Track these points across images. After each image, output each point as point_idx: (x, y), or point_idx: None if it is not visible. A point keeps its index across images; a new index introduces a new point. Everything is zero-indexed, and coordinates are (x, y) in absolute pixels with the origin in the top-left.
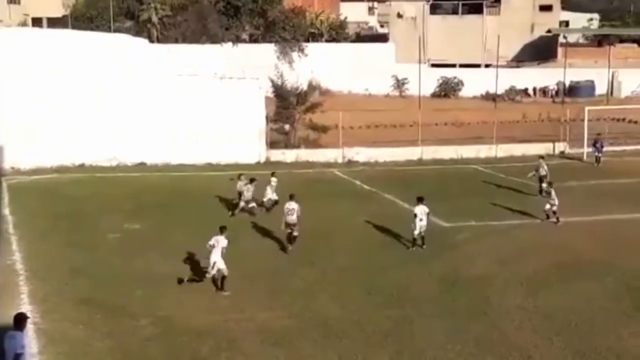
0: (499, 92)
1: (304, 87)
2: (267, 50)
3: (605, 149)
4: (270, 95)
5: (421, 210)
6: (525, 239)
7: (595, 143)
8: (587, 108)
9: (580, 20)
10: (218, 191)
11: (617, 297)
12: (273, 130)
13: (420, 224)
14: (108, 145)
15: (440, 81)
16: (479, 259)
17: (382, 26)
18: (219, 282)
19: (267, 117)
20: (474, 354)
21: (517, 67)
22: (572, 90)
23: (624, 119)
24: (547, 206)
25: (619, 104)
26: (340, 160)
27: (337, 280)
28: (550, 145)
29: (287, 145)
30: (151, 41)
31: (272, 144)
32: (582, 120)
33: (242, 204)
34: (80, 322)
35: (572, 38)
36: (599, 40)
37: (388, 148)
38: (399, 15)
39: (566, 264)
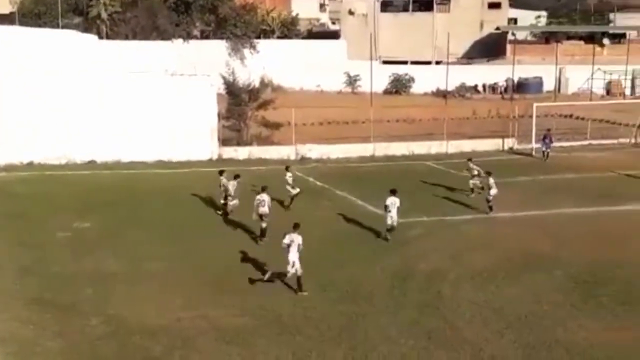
0: (450, 88)
1: (256, 84)
2: (218, 47)
3: (553, 144)
4: (222, 92)
5: (392, 201)
6: (476, 233)
7: (544, 138)
8: (535, 104)
9: (528, 17)
10: (169, 189)
11: (565, 291)
12: (225, 128)
13: (390, 214)
14: (57, 143)
15: (392, 78)
16: (430, 254)
17: (333, 23)
18: (297, 282)
19: (219, 114)
20: (427, 348)
21: (467, 64)
22: (521, 87)
23: (571, 115)
24: (490, 196)
25: (567, 100)
26: (293, 157)
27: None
28: (500, 141)
29: (240, 143)
30: (100, 38)
31: (224, 141)
32: (531, 116)
33: (231, 201)
34: (30, 321)
35: (521, 35)
36: (547, 38)
37: (341, 145)
38: (350, 12)
39: (516, 258)
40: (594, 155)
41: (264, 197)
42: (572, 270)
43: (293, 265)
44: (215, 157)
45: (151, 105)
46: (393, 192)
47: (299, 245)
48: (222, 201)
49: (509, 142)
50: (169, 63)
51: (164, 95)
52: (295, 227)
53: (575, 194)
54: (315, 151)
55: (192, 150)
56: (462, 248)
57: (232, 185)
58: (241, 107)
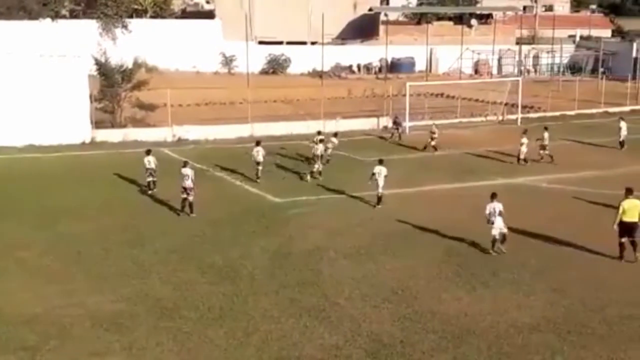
0: (325, 69)
1: (129, 64)
2: (89, 27)
3: (414, 123)
4: (94, 73)
5: (378, 170)
6: (355, 211)
7: (396, 119)
8: (408, 84)
9: None
10: (41, 174)
11: (439, 264)
12: (98, 110)
13: (378, 182)
14: None
15: (269, 58)
16: (310, 233)
17: (207, 2)
18: (500, 242)
19: (91, 96)
20: (307, 325)
21: (342, 44)
22: (394, 67)
23: (442, 94)
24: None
25: (438, 80)
26: (170, 139)
27: (169, 260)
28: (375, 120)
29: (114, 125)
30: None
31: (97, 124)
32: (404, 95)
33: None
34: None
35: (393, 16)
36: (418, 19)
37: (218, 126)
38: None
39: (393, 234)
40: (463, 132)
41: (187, 171)
42: (446, 244)
43: (503, 229)
44: (88, 140)
45: (19, 88)
46: (380, 162)
47: (500, 210)
48: (149, 179)
49: (384, 121)
50: (37, 44)
51: (33, 77)
52: (494, 196)
53: (448, 171)
54: (192, 132)
55: (65, 133)
56: (341, 226)
57: (148, 162)
58: (114, 88)
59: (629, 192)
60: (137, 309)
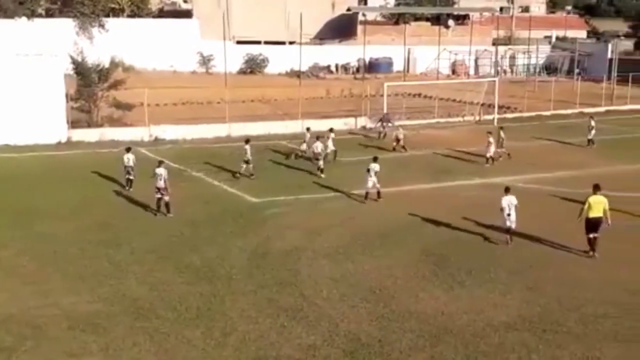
0: (303, 69)
1: (106, 64)
2: (65, 26)
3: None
4: (71, 72)
5: (373, 167)
6: (333, 211)
7: (382, 120)
8: (386, 84)
9: None
10: (17, 174)
11: (417, 263)
12: (74, 109)
13: (372, 179)
14: None
15: (246, 58)
16: (288, 233)
17: (185, 1)
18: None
19: (67, 96)
20: (285, 325)
21: (320, 44)
22: (372, 67)
23: (419, 94)
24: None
25: (415, 80)
26: (147, 139)
27: (146, 260)
28: (353, 120)
29: (90, 124)
30: None
31: (73, 123)
32: (382, 95)
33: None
34: None
35: (371, 16)
36: (396, 19)
37: (196, 125)
38: None
39: (372, 233)
40: (440, 133)
41: (161, 170)
42: (424, 243)
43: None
44: (64, 140)
45: None
46: (374, 159)
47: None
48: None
49: (362, 121)
50: (13, 43)
51: (8, 77)
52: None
53: (424, 170)
54: (169, 132)
55: (40, 133)
56: (320, 225)
57: (127, 160)
58: (91, 87)
59: (596, 189)
60: (113, 309)
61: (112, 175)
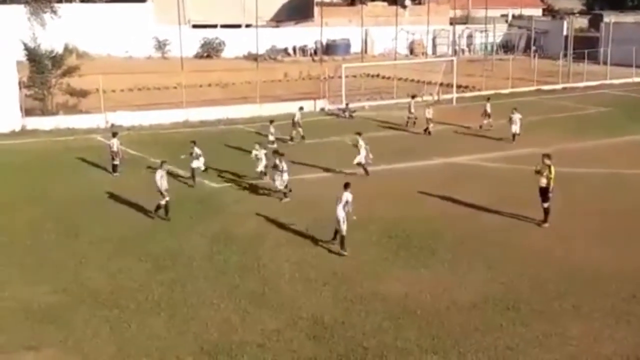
0: (260, 51)
1: (60, 50)
2: (16, 12)
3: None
4: (23, 59)
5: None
6: (293, 195)
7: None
8: (344, 65)
9: None
10: None
11: (379, 245)
12: (28, 97)
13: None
14: None
15: (203, 42)
16: (249, 219)
17: None
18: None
19: (20, 83)
20: (248, 310)
21: (277, 27)
22: (330, 49)
23: (378, 75)
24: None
25: (373, 61)
26: (103, 126)
27: (104, 249)
28: (312, 102)
29: (44, 112)
30: None
31: (27, 111)
32: (340, 77)
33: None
34: None
35: None
36: (352, 0)
37: (153, 111)
38: None
39: (333, 217)
40: (400, 113)
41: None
42: (386, 226)
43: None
44: (18, 128)
45: None
46: (359, 134)
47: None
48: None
49: (321, 103)
50: None
51: None
52: (346, 186)
53: (384, 152)
54: (126, 118)
55: None
56: (280, 210)
57: (112, 144)
58: (44, 74)
59: (545, 157)
60: (72, 299)
61: (68, 165)
